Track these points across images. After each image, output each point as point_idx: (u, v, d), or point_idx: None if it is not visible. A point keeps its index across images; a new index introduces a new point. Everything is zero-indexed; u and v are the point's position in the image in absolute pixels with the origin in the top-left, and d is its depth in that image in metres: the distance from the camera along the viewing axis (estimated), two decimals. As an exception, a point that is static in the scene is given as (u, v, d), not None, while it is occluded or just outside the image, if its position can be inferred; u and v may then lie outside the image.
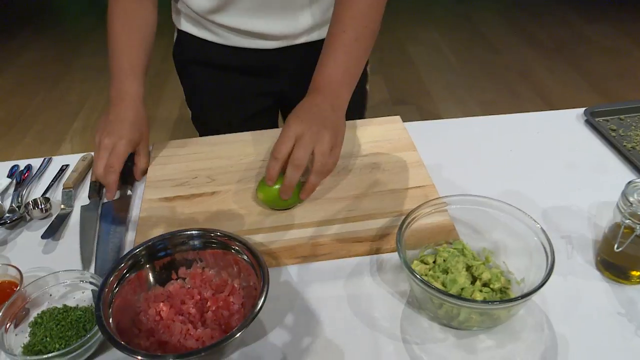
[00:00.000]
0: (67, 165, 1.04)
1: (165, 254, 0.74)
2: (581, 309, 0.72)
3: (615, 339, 0.68)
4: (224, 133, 1.05)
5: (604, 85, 3.11)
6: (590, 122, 1.07)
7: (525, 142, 1.04)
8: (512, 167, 0.97)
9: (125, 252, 0.73)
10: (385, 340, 0.68)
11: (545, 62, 3.40)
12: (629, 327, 0.69)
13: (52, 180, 1.00)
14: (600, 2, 4.36)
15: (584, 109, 1.10)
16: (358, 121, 1.06)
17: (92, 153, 1.04)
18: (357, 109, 1.22)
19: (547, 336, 0.68)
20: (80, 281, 0.75)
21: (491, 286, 0.70)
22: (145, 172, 0.99)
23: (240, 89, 1.15)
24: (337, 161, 0.86)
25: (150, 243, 0.73)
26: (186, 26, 1.13)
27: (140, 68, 1.01)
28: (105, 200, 0.94)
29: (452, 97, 3.08)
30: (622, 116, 1.09)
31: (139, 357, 0.60)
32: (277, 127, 1.18)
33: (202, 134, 1.25)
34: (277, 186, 0.84)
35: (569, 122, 1.10)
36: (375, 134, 1.04)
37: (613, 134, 1.03)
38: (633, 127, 1.05)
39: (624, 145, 0.99)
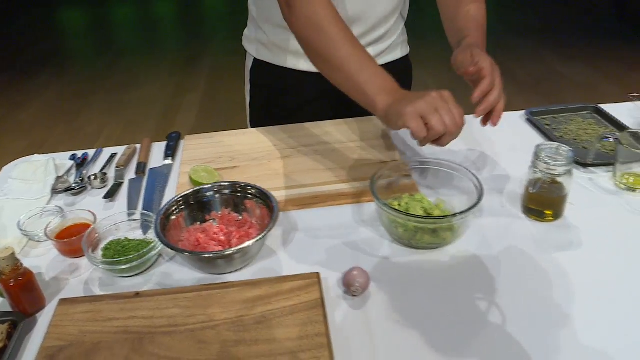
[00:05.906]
0: (115, 154, 1.31)
1: (204, 200, 1.01)
2: (509, 239, 0.97)
3: (532, 258, 0.93)
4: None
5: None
6: (530, 120, 1.35)
7: (476, 133, 1.31)
8: (463, 150, 1.24)
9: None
10: (364, 258, 0.94)
11: (522, 97, 3.71)
12: (546, 250, 0.94)
13: (105, 163, 1.26)
14: (573, 41, 4.75)
15: (525, 110, 1.38)
16: (347, 120, 1.34)
17: (138, 145, 1.31)
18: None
19: (485, 255, 0.94)
20: (133, 220, 1.02)
21: (440, 219, 0.97)
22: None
23: (297, 105, 1.37)
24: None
25: (190, 191, 1.00)
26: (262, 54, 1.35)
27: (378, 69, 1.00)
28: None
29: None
30: (555, 115, 1.37)
31: (187, 253, 0.87)
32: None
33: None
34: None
35: (514, 119, 1.38)
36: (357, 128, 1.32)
37: (547, 127, 1.31)
38: (563, 123, 1.33)
39: (555, 135, 1.27)
